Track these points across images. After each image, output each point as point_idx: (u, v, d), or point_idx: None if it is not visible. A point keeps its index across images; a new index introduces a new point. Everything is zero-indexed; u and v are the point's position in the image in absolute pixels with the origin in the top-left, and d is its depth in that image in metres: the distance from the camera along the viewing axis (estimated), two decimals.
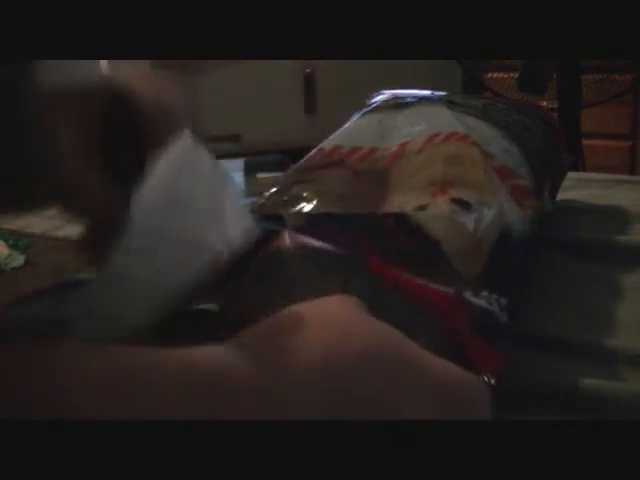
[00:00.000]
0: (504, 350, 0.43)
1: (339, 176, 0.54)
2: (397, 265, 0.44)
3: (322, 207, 0.50)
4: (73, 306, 0.43)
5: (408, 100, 0.65)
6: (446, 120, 0.59)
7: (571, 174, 0.79)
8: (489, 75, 1.96)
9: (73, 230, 0.45)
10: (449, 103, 0.63)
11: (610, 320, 0.54)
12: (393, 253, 0.46)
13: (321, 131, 0.65)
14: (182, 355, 0.30)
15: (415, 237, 0.46)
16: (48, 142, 0.42)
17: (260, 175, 2.34)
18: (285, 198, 0.52)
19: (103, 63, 0.45)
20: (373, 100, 0.69)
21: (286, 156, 2.17)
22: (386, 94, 0.70)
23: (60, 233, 2.05)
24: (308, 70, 2.40)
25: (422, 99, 0.65)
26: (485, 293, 0.44)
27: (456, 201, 0.49)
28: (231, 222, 0.41)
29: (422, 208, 0.48)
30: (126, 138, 0.44)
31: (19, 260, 1.98)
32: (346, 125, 0.64)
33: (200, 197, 0.41)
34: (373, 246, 0.46)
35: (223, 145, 2.32)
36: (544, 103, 1.69)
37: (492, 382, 0.38)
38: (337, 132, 0.62)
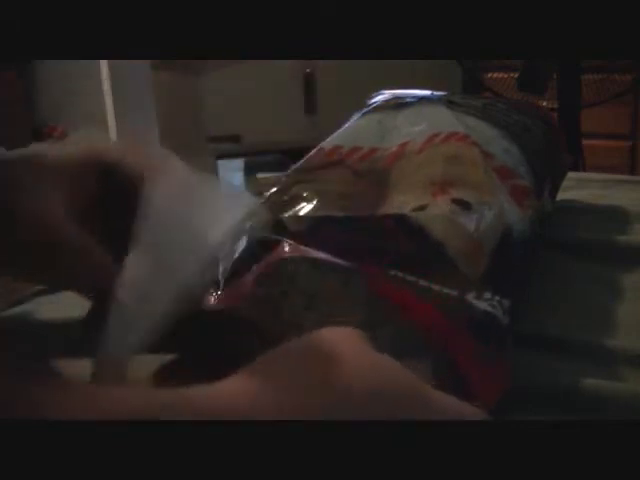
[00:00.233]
0: (506, 356, 0.43)
1: (339, 176, 0.54)
2: (399, 267, 0.44)
3: (322, 207, 0.50)
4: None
5: (408, 100, 0.65)
6: (446, 120, 0.59)
7: (571, 174, 0.79)
8: (489, 75, 1.96)
9: None
10: (449, 103, 0.63)
11: (610, 320, 0.54)
12: (395, 255, 0.46)
13: (321, 131, 0.65)
14: (190, 397, 0.30)
15: (416, 238, 0.46)
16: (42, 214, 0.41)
17: (260, 175, 2.34)
18: (285, 198, 0.52)
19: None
20: (373, 100, 0.69)
21: (286, 156, 2.17)
22: (386, 94, 0.70)
23: None
24: (308, 70, 2.40)
25: (422, 99, 0.65)
26: (488, 295, 0.44)
27: (456, 201, 0.49)
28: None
29: (422, 208, 0.48)
30: (114, 208, 0.44)
31: None
32: (346, 125, 0.64)
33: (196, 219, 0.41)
34: (374, 249, 0.46)
35: (223, 145, 2.32)
36: (544, 103, 1.69)
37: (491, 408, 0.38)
38: (337, 132, 0.62)
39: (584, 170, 1.63)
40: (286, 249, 0.44)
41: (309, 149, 0.59)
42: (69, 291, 0.45)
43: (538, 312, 0.53)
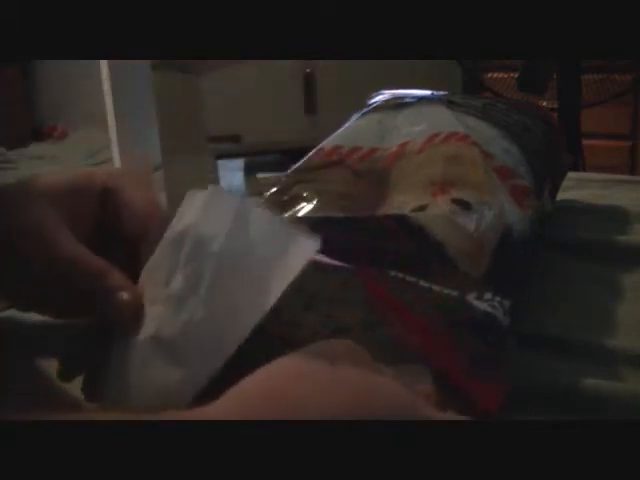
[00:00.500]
0: (506, 357, 0.43)
1: (339, 176, 0.54)
2: (399, 268, 0.44)
3: (322, 207, 0.50)
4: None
5: (408, 100, 0.65)
6: (446, 120, 0.59)
7: (571, 174, 0.79)
8: (489, 75, 1.96)
9: None
10: (449, 103, 0.63)
11: (610, 320, 0.54)
12: (395, 255, 0.46)
13: (321, 131, 0.65)
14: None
15: (416, 238, 0.46)
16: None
17: (260, 175, 2.34)
18: (285, 198, 0.52)
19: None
20: (373, 100, 0.69)
21: (286, 156, 2.17)
22: (386, 94, 0.70)
23: None
24: (308, 70, 2.40)
25: (422, 99, 0.65)
26: (489, 295, 0.44)
27: (456, 201, 0.49)
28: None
29: (422, 208, 0.48)
30: (113, 237, 0.43)
31: None
32: (346, 125, 0.64)
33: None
34: (374, 249, 0.46)
35: (223, 145, 2.32)
36: (544, 103, 1.69)
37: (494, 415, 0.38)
38: (337, 132, 0.62)
39: (584, 170, 1.63)
40: None
41: (309, 149, 0.59)
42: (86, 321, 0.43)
43: (538, 312, 0.53)
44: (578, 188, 0.82)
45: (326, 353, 0.33)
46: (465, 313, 0.42)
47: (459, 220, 0.47)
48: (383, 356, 0.36)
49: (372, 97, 0.70)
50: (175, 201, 0.41)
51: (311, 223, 0.48)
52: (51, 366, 0.43)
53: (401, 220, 0.47)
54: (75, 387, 0.41)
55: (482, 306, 0.43)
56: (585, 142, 1.76)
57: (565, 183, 0.73)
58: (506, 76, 1.81)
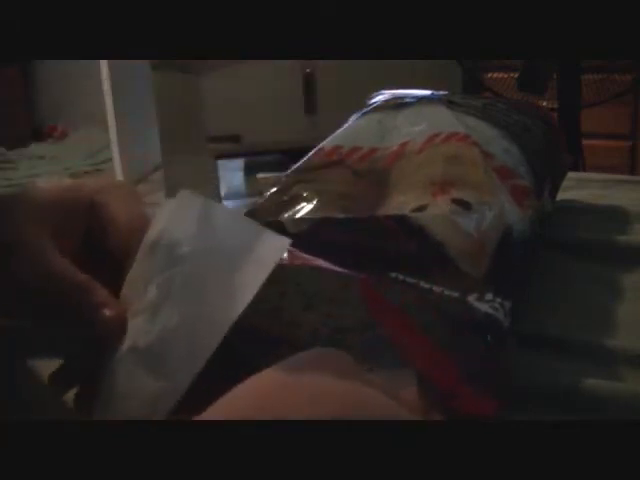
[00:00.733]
0: (506, 358, 0.43)
1: (339, 176, 0.54)
2: (400, 268, 0.44)
3: (322, 207, 0.50)
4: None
5: (408, 100, 0.65)
6: (446, 120, 0.59)
7: (571, 174, 0.79)
8: (489, 75, 1.96)
9: None
10: (449, 103, 0.63)
11: (610, 320, 0.54)
12: (395, 256, 0.46)
13: (321, 131, 0.65)
14: None
15: (417, 239, 0.46)
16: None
17: (260, 175, 2.34)
18: (285, 198, 0.52)
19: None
20: (373, 100, 0.69)
21: (286, 156, 2.17)
22: (386, 94, 0.70)
23: None
24: (308, 70, 2.40)
25: (422, 99, 0.65)
26: (489, 296, 0.44)
27: (457, 201, 0.49)
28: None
29: (422, 208, 0.48)
30: (99, 251, 0.43)
31: None
32: (346, 125, 0.63)
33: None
34: (374, 249, 0.46)
35: (223, 145, 2.32)
36: (544, 103, 1.69)
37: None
38: (337, 132, 0.62)
39: (584, 170, 1.63)
40: (284, 256, 0.44)
41: (309, 149, 0.59)
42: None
43: (538, 312, 0.53)
44: (578, 188, 0.82)
45: (312, 363, 0.32)
46: (466, 314, 0.42)
47: (459, 220, 0.47)
48: (375, 358, 0.36)
49: (372, 97, 0.70)
50: None
51: (311, 223, 0.48)
52: (50, 367, 0.43)
53: (401, 220, 0.47)
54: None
55: (483, 307, 0.43)
56: (585, 142, 1.76)
57: (565, 183, 0.73)
58: (506, 76, 1.81)
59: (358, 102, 0.70)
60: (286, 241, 0.38)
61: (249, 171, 2.62)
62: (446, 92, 0.67)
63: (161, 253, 0.39)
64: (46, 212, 0.42)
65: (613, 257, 0.63)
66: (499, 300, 0.44)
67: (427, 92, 0.67)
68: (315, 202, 0.50)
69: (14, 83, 3.61)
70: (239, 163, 2.72)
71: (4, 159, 3.36)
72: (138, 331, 0.38)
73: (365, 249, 0.46)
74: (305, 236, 0.47)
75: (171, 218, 0.40)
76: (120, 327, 0.39)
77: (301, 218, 0.49)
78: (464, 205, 0.49)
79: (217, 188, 2.31)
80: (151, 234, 0.40)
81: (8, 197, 0.43)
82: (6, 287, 0.41)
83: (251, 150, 2.45)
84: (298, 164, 0.57)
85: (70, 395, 0.41)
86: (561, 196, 0.72)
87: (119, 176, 2.80)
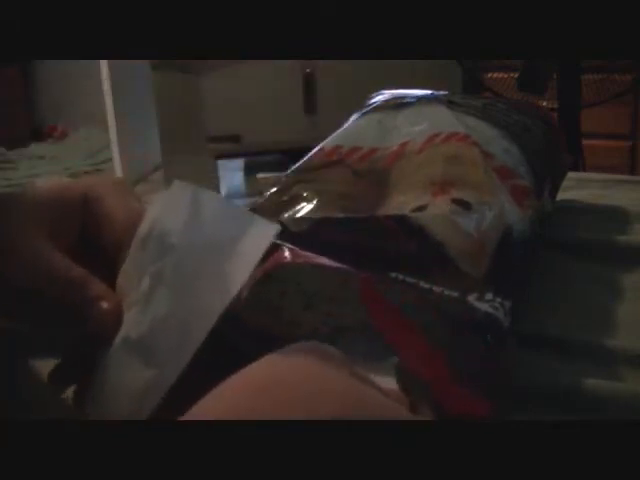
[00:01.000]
0: (506, 358, 0.43)
1: (339, 176, 0.54)
2: (400, 268, 0.44)
3: (322, 207, 0.50)
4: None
5: (408, 100, 0.65)
6: (446, 120, 0.59)
7: (571, 174, 0.79)
8: (489, 75, 1.96)
9: None
10: (449, 103, 0.63)
11: (610, 320, 0.54)
12: (395, 256, 0.45)
13: (321, 131, 0.65)
14: None
15: (417, 239, 0.46)
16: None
17: (260, 175, 2.34)
18: (285, 198, 0.52)
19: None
20: (373, 100, 0.69)
21: (286, 156, 2.17)
22: (386, 94, 0.70)
23: None
24: (308, 70, 2.40)
25: (422, 99, 0.65)
26: (489, 296, 0.44)
27: (457, 201, 0.49)
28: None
29: (422, 208, 0.48)
30: (94, 246, 0.43)
31: None
32: (346, 125, 0.63)
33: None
34: (374, 249, 0.46)
35: (223, 145, 2.32)
36: (544, 103, 1.69)
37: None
38: (337, 132, 0.61)
39: (584, 170, 1.63)
40: (286, 254, 0.44)
41: (309, 149, 0.59)
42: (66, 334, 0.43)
43: (538, 312, 0.53)
44: (578, 188, 0.82)
45: (307, 357, 0.32)
46: (466, 314, 0.42)
47: (459, 220, 0.47)
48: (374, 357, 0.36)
49: (372, 97, 0.70)
50: None
51: (311, 223, 0.48)
52: (50, 367, 0.43)
53: (401, 220, 0.47)
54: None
55: (483, 307, 0.43)
56: (585, 142, 1.76)
57: (565, 183, 0.73)
58: (506, 76, 1.81)
59: (358, 102, 0.70)
60: (275, 227, 0.38)
61: (249, 171, 2.62)
62: (446, 92, 0.67)
63: (153, 244, 0.39)
64: (42, 212, 0.42)
65: (613, 257, 0.63)
66: (499, 300, 0.44)
67: (427, 92, 0.67)
68: (315, 202, 0.50)
69: (14, 83, 3.61)
70: (239, 163, 2.71)
71: (4, 159, 3.36)
72: (131, 322, 0.38)
73: (365, 249, 0.46)
74: (305, 236, 0.47)
75: (163, 209, 0.40)
76: (117, 319, 0.39)
77: (301, 218, 0.49)
78: (464, 205, 0.49)
79: (217, 188, 2.31)
80: (144, 226, 0.40)
81: (4, 197, 0.43)
82: (4, 287, 0.41)
83: (251, 150, 2.45)
84: (298, 164, 0.57)
85: (70, 393, 0.41)
86: (561, 196, 0.72)
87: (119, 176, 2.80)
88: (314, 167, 0.56)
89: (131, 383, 0.36)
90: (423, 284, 0.43)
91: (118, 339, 0.38)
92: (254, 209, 0.52)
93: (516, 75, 1.68)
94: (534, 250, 0.56)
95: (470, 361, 0.41)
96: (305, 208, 0.50)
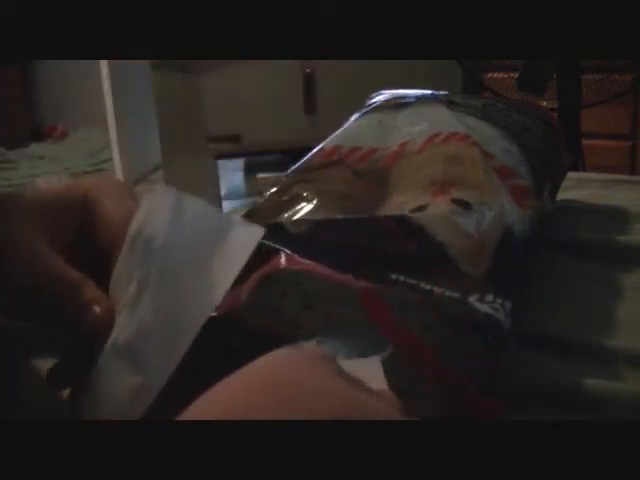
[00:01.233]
0: (506, 359, 0.43)
1: (339, 176, 0.54)
2: (400, 269, 0.44)
3: (322, 207, 0.50)
4: None
5: (408, 100, 0.65)
6: (446, 120, 0.59)
7: (571, 174, 0.79)
8: (489, 75, 1.96)
9: None
10: (449, 103, 0.63)
11: (610, 320, 0.54)
12: (395, 256, 0.45)
13: (321, 131, 0.65)
14: None
15: (417, 239, 0.46)
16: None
17: (260, 175, 2.34)
18: (285, 198, 0.52)
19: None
20: (373, 100, 0.69)
21: (286, 156, 2.17)
22: (386, 94, 0.70)
23: None
24: (308, 70, 2.40)
25: (422, 99, 0.65)
26: (490, 297, 0.44)
27: (457, 201, 0.49)
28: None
29: (422, 208, 0.48)
30: (90, 247, 0.43)
31: None
32: (346, 125, 0.63)
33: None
34: (374, 250, 0.46)
35: (223, 145, 2.32)
36: (544, 103, 1.69)
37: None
38: (337, 132, 0.61)
39: (584, 170, 1.63)
40: (282, 261, 0.44)
41: (309, 149, 0.59)
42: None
43: (538, 312, 0.53)
44: (578, 188, 0.82)
45: (305, 358, 0.32)
46: (467, 315, 0.42)
47: (459, 220, 0.47)
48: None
49: (372, 97, 0.70)
50: None
51: (311, 224, 0.48)
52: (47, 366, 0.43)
53: (401, 220, 0.47)
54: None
55: (484, 308, 0.43)
56: (585, 142, 1.76)
57: (565, 183, 0.73)
58: (506, 76, 1.81)
59: (358, 102, 0.70)
60: (260, 231, 0.38)
61: (249, 171, 2.62)
62: (446, 92, 0.67)
63: (140, 247, 0.39)
64: (40, 212, 0.42)
65: (613, 257, 0.63)
66: (500, 301, 0.44)
67: (427, 92, 0.67)
68: (315, 202, 0.50)
69: (14, 83, 3.61)
70: (239, 163, 2.71)
71: (4, 159, 3.36)
72: (120, 327, 0.38)
73: (365, 249, 0.46)
74: (305, 237, 0.47)
75: (148, 213, 0.40)
76: (110, 323, 0.39)
77: (300, 219, 0.49)
78: (464, 205, 0.49)
79: (217, 188, 2.31)
80: (132, 229, 0.40)
81: (4, 197, 0.43)
82: (4, 287, 0.41)
83: (251, 150, 2.44)
84: (298, 164, 0.57)
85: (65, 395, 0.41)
86: (561, 196, 0.72)
87: (119, 176, 2.80)
88: (314, 167, 0.56)
89: (119, 388, 0.37)
90: (424, 285, 0.43)
91: (108, 343, 0.38)
92: (254, 209, 0.52)
93: (516, 75, 1.68)
94: (534, 250, 0.56)
95: (471, 362, 0.41)
96: (305, 208, 0.50)
